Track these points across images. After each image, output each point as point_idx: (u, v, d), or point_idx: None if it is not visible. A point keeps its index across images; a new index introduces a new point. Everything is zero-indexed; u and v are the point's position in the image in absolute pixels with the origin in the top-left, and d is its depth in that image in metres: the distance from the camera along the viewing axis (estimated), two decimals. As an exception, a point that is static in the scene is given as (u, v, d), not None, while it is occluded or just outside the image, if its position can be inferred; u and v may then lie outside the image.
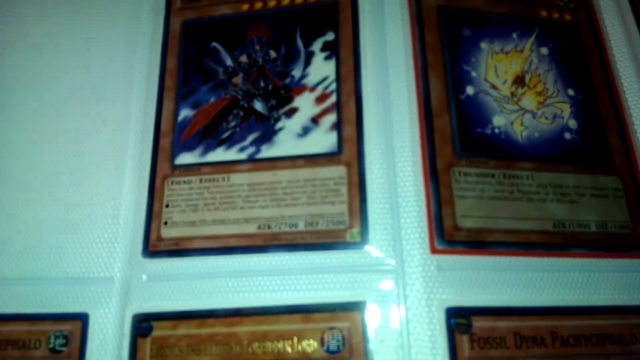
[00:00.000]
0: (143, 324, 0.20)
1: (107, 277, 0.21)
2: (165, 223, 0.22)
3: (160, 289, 0.21)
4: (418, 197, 0.21)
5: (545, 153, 0.22)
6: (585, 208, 0.21)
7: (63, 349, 0.20)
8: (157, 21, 0.25)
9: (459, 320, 0.19)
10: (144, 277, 0.21)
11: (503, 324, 0.19)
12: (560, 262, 0.20)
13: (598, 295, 0.20)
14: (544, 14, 0.25)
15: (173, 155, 0.23)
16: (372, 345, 0.19)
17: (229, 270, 0.21)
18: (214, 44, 0.25)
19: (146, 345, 0.20)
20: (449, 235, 0.20)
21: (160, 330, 0.20)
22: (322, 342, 0.19)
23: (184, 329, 0.20)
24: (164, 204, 0.22)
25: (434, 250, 0.20)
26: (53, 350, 0.20)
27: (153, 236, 0.21)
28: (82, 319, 0.21)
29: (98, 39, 0.25)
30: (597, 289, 0.20)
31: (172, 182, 0.22)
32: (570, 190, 0.22)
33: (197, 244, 0.21)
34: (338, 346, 0.19)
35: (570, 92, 0.24)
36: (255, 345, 0.19)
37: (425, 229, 0.20)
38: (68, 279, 0.21)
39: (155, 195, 0.22)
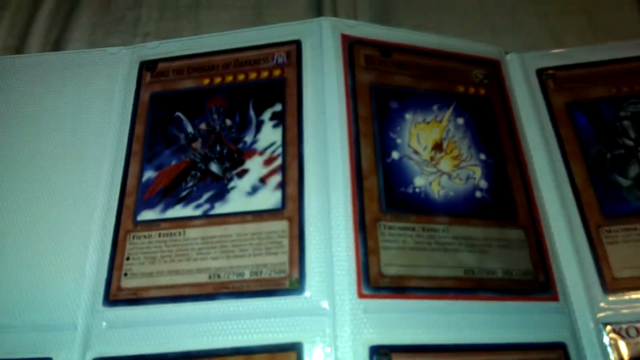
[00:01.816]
0: (100, 368, 0.23)
1: (70, 324, 0.25)
2: (125, 274, 0.25)
3: (119, 335, 0.24)
4: (349, 247, 0.25)
5: (459, 209, 0.27)
6: (493, 257, 0.26)
7: (26, 392, 0.23)
8: (129, 93, 0.30)
9: (381, 358, 0.23)
10: (104, 324, 0.24)
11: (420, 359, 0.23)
12: (470, 304, 0.25)
13: (503, 334, 0.25)
14: (461, 89, 0.31)
15: (136, 212, 0.27)
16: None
17: (181, 317, 0.24)
18: (178, 113, 0.29)
19: (103, 388, 0.23)
20: (374, 281, 0.24)
21: (117, 373, 0.23)
22: (263, 377, 0.23)
23: (139, 373, 0.23)
24: (125, 256, 0.26)
25: (361, 295, 0.24)
26: (16, 395, 0.23)
27: (114, 286, 0.25)
28: (45, 363, 0.24)
29: (76, 108, 0.30)
30: (503, 327, 0.25)
31: (134, 237, 0.26)
32: (480, 242, 0.26)
33: (153, 293, 0.25)
34: (277, 381, 0.23)
35: (482, 156, 0.29)
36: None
37: (354, 276, 0.24)
38: (35, 326, 0.25)
39: (117, 249, 0.26)
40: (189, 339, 0.24)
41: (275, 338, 0.23)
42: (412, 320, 0.24)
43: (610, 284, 0.27)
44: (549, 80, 0.34)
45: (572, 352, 0.24)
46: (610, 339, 0.25)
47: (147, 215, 0.27)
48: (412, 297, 0.25)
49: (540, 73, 0.34)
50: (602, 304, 0.26)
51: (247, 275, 0.25)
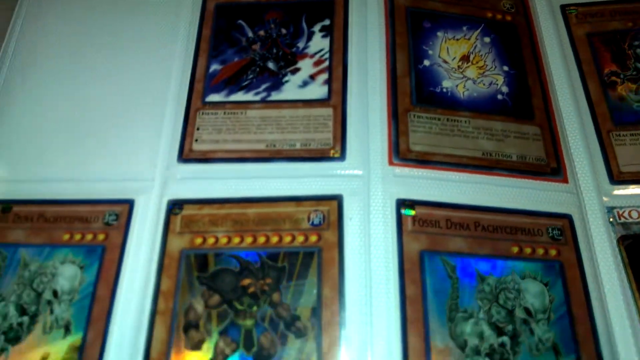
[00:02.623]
0: (175, 206, 0.29)
1: (149, 177, 0.31)
2: (196, 140, 0.31)
3: (190, 185, 0.30)
4: (383, 129, 0.31)
5: (481, 107, 0.32)
6: (509, 145, 0.31)
7: (114, 222, 0.29)
8: (196, 3, 0.36)
9: (406, 207, 0.28)
10: (178, 176, 0.30)
11: (438, 212, 0.28)
12: (486, 178, 0.29)
13: (514, 202, 0.29)
14: (489, 15, 0.36)
15: (204, 95, 0.33)
16: (344, 220, 0.28)
17: (242, 174, 0.30)
18: (240, 21, 0.35)
19: (177, 220, 0.29)
20: (403, 154, 0.30)
21: (188, 211, 0.29)
22: (308, 219, 0.28)
23: (206, 210, 0.29)
24: (196, 127, 0.32)
25: (391, 163, 0.29)
26: (107, 224, 0.29)
27: (186, 149, 0.31)
28: (129, 203, 0.30)
29: (150, 17, 0.36)
30: (515, 198, 0.29)
31: (203, 113, 0.32)
32: (498, 132, 0.31)
33: (219, 155, 0.31)
34: (320, 221, 0.28)
35: (505, 68, 0.34)
36: (259, 221, 0.28)
37: (386, 150, 0.30)
38: (120, 178, 0.31)
39: (189, 121, 0.32)
40: (248, 189, 0.30)
41: (321, 190, 0.29)
42: (433, 185, 0.29)
43: (616, 176, 0.31)
44: (572, 14, 0.38)
45: (577, 223, 0.29)
46: (612, 217, 0.29)
47: (213, 98, 0.33)
48: (434, 168, 0.30)
49: (564, 8, 0.38)
50: (607, 191, 0.30)
51: (298, 146, 0.31)
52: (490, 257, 0.27)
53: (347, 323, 0.26)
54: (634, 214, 0.30)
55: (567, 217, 0.29)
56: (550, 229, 0.28)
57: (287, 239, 0.28)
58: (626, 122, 0.33)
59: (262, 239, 0.28)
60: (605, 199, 0.30)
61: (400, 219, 0.28)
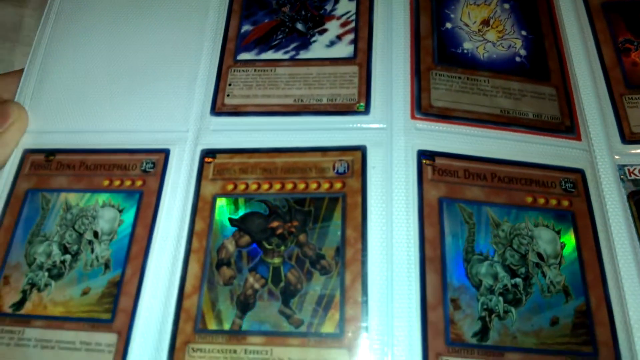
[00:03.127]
0: (208, 155, 0.31)
1: (183, 129, 0.33)
2: (228, 95, 0.33)
3: (222, 136, 0.32)
4: (406, 86, 0.32)
5: (499, 68, 0.34)
6: (526, 103, 0.32)
7: (151, 170, 0.32)
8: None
9: (427, 158, 0.29)
10: (211, 127, 0.32)
11: (457, 163, 0.30)
12: (503, 133, 0.31)
13: (529, 157, 0.31)
14: (509, -18, 0.38)
15: (236, 53, 0.35)
16: (368, 169, 0.29)
17: (272, 126, 0.32)
18: (270, -15, 0.37)
19: (210, 168, 0.31)
20: (424, 109, 0.31)
21: (220, 160, 0.31)
22: (334, 167, 0.30)
23: (237, 159, 0.31)
24: (227, 83, 0.34)
25: (413, 117, 0.31)
26: (144, 171, 0.32)
27: (218, 103, 0.33)
28: (165, 152, 0.32)
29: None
30: (530, 152, 0.31)
31: (234, 70, 0.34)
32: (516, 92, 0.33)
33: (249, 109, 0.33)
34: (344, 170, 0.30)
35: (523, 32, 0.35)
36: (287, 169, 0.30)
37: (409, 104, 0.31)
38: (155, 130, 0.33)
39: (221, 77, 0.34)
40: (276, 141, 0.32)
41: (346, 142, 0.31)
42: (452, 138, 0.31)
43: (628, 136, 0.33)
44: (589, -16, 0.40)
45: (589, 178, 0.31)
46: (623, 174, 0.31)
47: (245, 56, 0.35)
48: (453, 123, 0.31)
49: (582, -22, 0.40)
50: (619, 150, 0.32)
51: (324, 101, 0.32)
52: (505, 205, 0.29)
53: (368, 261, 0.28)
54: (645, 171, 0.32)
55: (580, 172, 0.31)
56: (563, 182, 0.30)
57: (313, 185, 0.30)
58: (639, 86, 0.35)
59: (289, 186, 0.31)
60: (616, 157, 0.32)
61: (420, 168, 0.30)
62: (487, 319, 0.27)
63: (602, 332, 0.27)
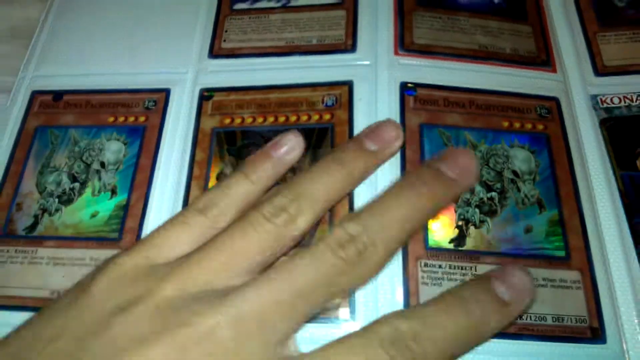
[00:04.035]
0: (206, 94, 0.34)
1: (183, 70, 0.36)
2: (224, 40, 0.36)
3: (220, 75, 0.35)
4: (389, 26, 0.36)
5: (478, 8, 0.36)
6: (503, 40, 0.35)
7: (153, 107, 0.35)
8: None
9: (408, 89, 0.32)
10: (209, 68, 0.35)
11: (437, 93, 0.33)
12: (481, 67, 0.34)
13: (506, 87, 0.33)
14: None
15: (232, 4, 0.38)
16: (354, 101, 0.32)
17: (266, 66, 0.35)
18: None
19: (209, 104, 0.34)
20: (407, 45, 0.34)
21: (218, 97, 0.34)
22: (322, 101, 0.33)
23: (233, 96, 0.34)
24: (224, 30, 0.37)
25: (396, 53, 0.34)
26: (147, 108, 0.35)
27: (216, 47, 0.36)
28: (165, 92, 0.35)
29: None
30: (506, 83, 0.34)
31: (230, 19, 0.37)
32: (494, 30, 0.36)
33: (245, 51, 0.36)
34: (332, 102, 0.33)
35: (502, -22, 0.38)
36: (280, 104, 0.33)
37: (392, 42, 0.34)
38: (158, 71, 0.36)
39: (218, 25, 0.37)
40: (270, 79, 0.35)
41: (334, 77, 0.34)
42: (433, 71, 0.34)
43: (601, 69, 0.35)
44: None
45: (564, 105, 0.33)
46: (596, 103, 0.34)
47: (240, 6, 0.38)
48: (434, 58, 0.34)
49: None
50: (592, 82, 0.35)
51: (314, 42, 0.35)
52: (483, 129, 0.32)
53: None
54: (615, 100, 0.34)
55: (555, 100, 0.33)
56: (538, 108, 0.33)
57: (304, 117, 0.33)
58: (611, 24, 0.37)
59: (282, 119, 0.33)
60: (589, 88, 0.34)
61: (403, 99, 0.32)
62: (464, 227, 0.29)
63: (575, 238, 0.29)
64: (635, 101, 0.34)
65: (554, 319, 0.27)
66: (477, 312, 0.22)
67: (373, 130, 0.29)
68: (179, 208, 0.32)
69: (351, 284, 0.24)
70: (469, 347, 0.23)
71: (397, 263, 0.28)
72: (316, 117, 0.33)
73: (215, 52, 0.36)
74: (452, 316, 0.22)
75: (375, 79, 0.34)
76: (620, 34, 0.37)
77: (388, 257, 0.24)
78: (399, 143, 0.29)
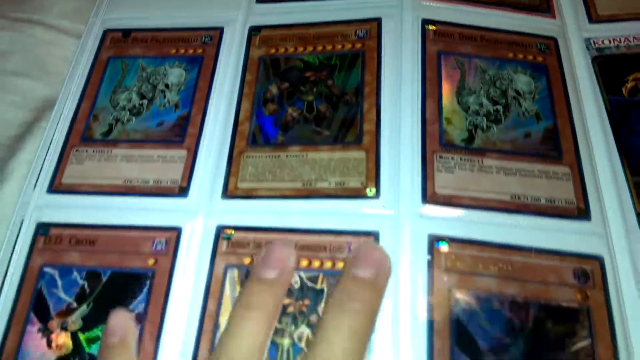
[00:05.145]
0: (254, 30, 0.41)
1: (234, 15, 0.43)
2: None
3: (266, 17, 0.42)
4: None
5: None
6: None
7: (209, 42, 0.42)
8: None
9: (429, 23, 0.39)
10: (257, 12, 0.42)
11: (452, 29, 0.39)
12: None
13: (511, 27, 0.40)
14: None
15: None
16: (382, 34, 0.40)
17: (307, 8, 0.42)
18: None
19: (256, 40, 0.41)
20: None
21: (264, 33, 0.41)
22: (355, 33, 0.40)
23: (278, 31, 0.41)
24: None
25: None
26: (204, 43, 0.41)
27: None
28: (220, 29, 0.42)
29: None
30: (511, 26, 0.40)
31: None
32: (502, -17, 0.42)
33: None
34: (364, 35, 0.40)
35: None
36: (318, 37, 0.40)
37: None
38: (212, 15, 0.43)
39: None
40: (309, 17, 0.42)
41: (365, 15, 0.41)
42: (450, 14, 0.40)
43: (594, 17, 0.42)
44: None
45: (561, 44, 0.40)
46: (589, 44, 0.40)
47: None
48: (452, 1, 0.41)
49: None
50: (587, 27, 0.41)
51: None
52: (491, 58, 0.39)
53: (382, 93, 0.37)
54: (606, 42, 0.41)
55: (553, 39, 0.40)
56: (538, 44, 0.40)
57: (339, 47, 0.40)
58: (606, -17, 0.44)
59: (320, 48, 0.40)
60: (584, 33, 0.41)
61: (424, 32, 0.39)
62: (473, 131, 0.36)
63: (566, 143, 0.35)
64: (623, 42, 0.41)
65: (547, 200, 0.33)
66: (357, 305, 0.25)
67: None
68: (231, 121, 0.39)
69: None
70: (371, 329, 0.26)
71: (416, 156, 0.35)
72: (349, 45, 0.40)
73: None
74: (343, 326, 0.25)
75: (401, 17, 0.41)
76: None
77: None
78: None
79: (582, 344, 0.28)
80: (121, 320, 0.28)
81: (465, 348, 0.29)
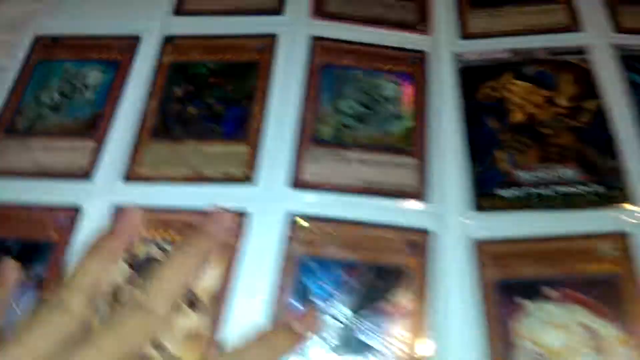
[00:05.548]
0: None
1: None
2: None
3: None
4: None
5: None
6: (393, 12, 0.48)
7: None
8: None
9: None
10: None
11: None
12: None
13: (388, 43, 0.46)
14: None
15: None
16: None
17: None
18: None
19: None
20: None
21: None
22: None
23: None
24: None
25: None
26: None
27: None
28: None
29: None
30: (389, 41, 0.47)
31: None
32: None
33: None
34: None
35: None
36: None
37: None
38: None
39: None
40: None
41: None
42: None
43: (465, 35, 0.48)
44: None
45: (431, 56, 0.46)
46: (457, 55, 0.47)
47: None
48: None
49: None
50: (457, 43, 0.48)
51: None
52: (367, 69, 0.46)
53: (270, 101, 0.44)
54: (472, 56, 0.47)
55: (423, 52, 0.47)
56: (410, 58, 0.46)
57: (240, 57, 0.47)
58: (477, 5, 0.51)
59: (223, 57, 0.47)
60: (454, 47, 0.48)
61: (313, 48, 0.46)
62: (342, 129, 0.42)
63: (418, 142, 0.42)
64: (489, 55, 0.48)
65: (392, 185, 0.40)
66: (187, 247, 0.34)
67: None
68: (140, 117, 0.44)
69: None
70: (199, 265, 0.34)
71: (292, 150, 0.41)
72: (247, 56, 0.47)
73: None
74: (175, 262, 0.33)
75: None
76: (482, 12, 0.51)
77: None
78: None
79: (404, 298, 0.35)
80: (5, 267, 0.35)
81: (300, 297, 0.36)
